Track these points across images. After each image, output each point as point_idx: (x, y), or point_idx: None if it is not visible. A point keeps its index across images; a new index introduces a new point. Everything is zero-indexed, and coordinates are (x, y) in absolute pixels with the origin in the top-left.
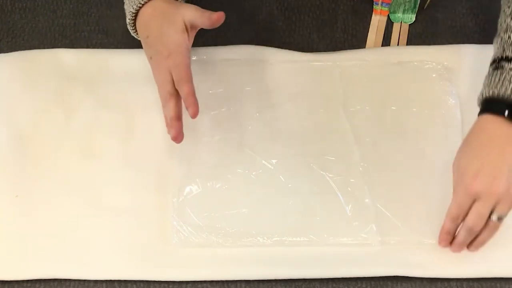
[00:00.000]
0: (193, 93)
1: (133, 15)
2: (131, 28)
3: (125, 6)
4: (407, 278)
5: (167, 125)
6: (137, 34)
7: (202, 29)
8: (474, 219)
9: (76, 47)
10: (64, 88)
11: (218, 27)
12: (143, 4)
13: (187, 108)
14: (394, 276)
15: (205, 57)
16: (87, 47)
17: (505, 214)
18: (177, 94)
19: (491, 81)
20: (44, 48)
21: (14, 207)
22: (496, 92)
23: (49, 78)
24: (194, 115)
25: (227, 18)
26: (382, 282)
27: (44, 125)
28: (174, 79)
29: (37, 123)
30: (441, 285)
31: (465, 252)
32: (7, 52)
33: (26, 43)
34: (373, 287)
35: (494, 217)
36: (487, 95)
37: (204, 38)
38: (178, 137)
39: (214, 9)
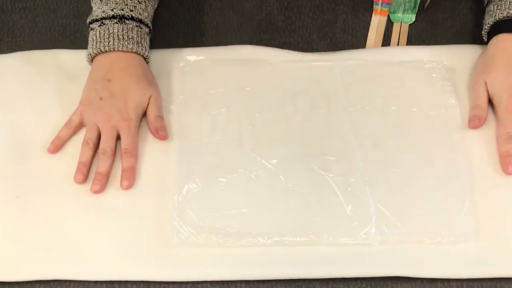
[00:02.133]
0: (135, 169)
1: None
2: (89, 58)
3: (94, 36)
4: (407, 278)
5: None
6: (91, 62)
7: (202, 29)
8: None
9: (76, 47)
10: (65, 88)
11: (219, 27)
12: (123, 50)
13: (121, 179)
14: (394, 276)
15: (205, 57)
16: (87, 47)
17: None
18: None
19: (502, 5)
20: (44, 48)
21: (15, 208)
22: (511, 12)
23: (49, 79)
24: (128, 187)
25: (227, 18)
26: (382, 282)
27: (44, 126)
28: (123, 145)
29: (37, 124)
30: (441, 285)
31: (464, 252)
32: (7, 52)
33: (26, 43)
34: (373, 287)
35: None
36: (500, 17)
37: (204, 38)
38: (82, 181)
39: (214, 9)
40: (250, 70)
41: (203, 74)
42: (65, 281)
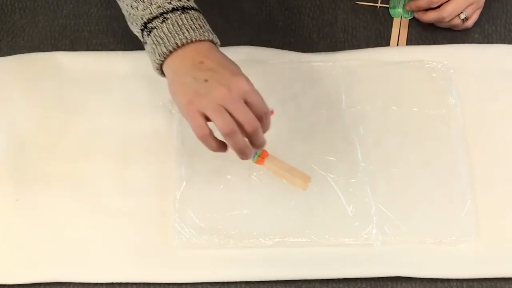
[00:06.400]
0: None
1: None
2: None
3: (162, 33)
4: (407, 278)
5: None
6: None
7: None
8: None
9: (76, 47)
10: (64, 91)
11: (218, 27)
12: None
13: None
14: (394, 276)
15: None
16: (87, 47)
17: (469, 16)
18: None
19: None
20: (44, 48)
21: (15, 211)
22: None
23: (49, 81)
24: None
25: (227, 18)
26: (382, 282)
27: (44, 128)
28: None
29: (37, 127)
30: (441, 285)
31: (465, 252)
32: (7, 52)
33: (26, 43)
34: (373, 287)
35: (462, 16)
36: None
37: None
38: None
39: (214, 9)
40: (250, 71)
41: None
42: (66, 283)
